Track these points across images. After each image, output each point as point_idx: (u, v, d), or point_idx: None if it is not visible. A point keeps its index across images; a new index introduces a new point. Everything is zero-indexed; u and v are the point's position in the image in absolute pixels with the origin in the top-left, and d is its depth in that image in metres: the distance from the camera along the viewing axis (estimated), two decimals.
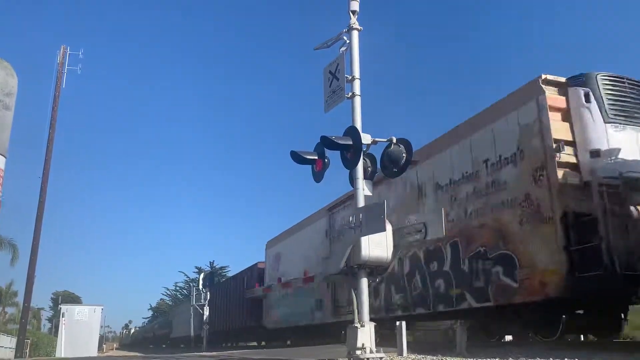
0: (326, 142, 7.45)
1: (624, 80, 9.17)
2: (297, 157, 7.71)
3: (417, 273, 11.60)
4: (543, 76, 9.01)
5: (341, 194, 15.69)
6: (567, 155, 8.56)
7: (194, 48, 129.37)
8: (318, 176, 8.05)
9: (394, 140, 7.65)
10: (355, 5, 8.09)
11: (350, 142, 7.31)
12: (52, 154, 21.32)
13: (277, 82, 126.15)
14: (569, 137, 8.75)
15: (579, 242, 7.96)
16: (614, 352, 6.81)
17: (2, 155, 5.35)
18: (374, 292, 11.99)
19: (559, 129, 8.71)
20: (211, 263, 61.53)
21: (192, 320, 29.47)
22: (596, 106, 8.78)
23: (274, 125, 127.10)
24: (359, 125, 7.52)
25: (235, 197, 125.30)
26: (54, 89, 21.98)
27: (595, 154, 8.52)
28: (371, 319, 6.66)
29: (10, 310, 45.51)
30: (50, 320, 65.67)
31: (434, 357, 6.92)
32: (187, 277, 65.30)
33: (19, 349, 20.74)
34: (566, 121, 8.87)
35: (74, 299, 61.70)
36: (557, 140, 8.55)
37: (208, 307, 25.55)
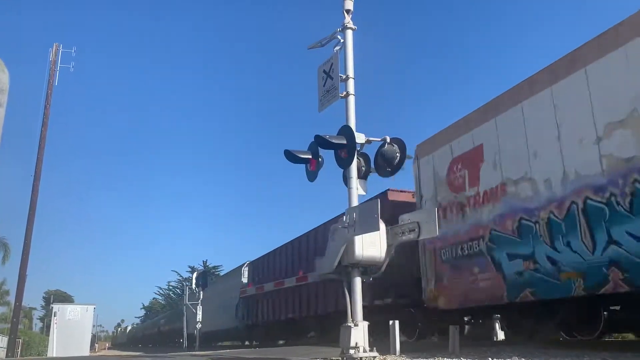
0: (320, 141, 7.46)
1: None
2: (291, 156, 7.70)
3: None
4: None
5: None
6: None
7: (188, 47, 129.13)
8: (312, 175, 8.04)
9: (388, 140, 7.66)
10: (349, 5, 8.09)
11: (344, 141, 7.32)
12: (44, 152, 21.22)
13: (270, 81, 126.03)
14: None
15: None
16: (604, 351, 6.84)
17: None
18: None
19: None
20: (204, 262, 61.40)
21: (185, 319, 29.42)
22: None
23: (268, 123, 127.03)
24: (352, 124, 7.53)
25: (228, 196, 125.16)
26: (46, 87, 21.89)
27: None
28: None
29: (1, 309, 45.27)
30: (42, 319, 65.38)
31: (427, 357, 6.93)
32: (180, 276, 65.16)
33: (11, 349, 20.61)
34: None
35: (66, 298, 61.41)
36: None
37: (201, 307, 25.49)
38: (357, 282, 6.99)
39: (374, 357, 6.66)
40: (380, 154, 7.70)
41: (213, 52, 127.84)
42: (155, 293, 75.43)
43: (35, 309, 64.46)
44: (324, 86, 8.04)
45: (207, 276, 30.38)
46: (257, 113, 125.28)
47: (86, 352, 23.69)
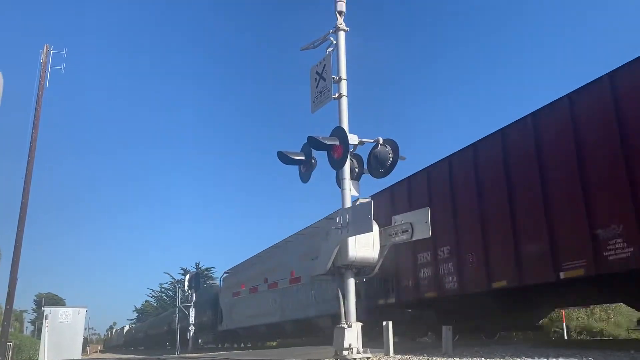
0: (313, 143, 7.47)
1: None
2: (284, 158, 7.71)
3: None
4: None
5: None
6: None
7: (181, 49, 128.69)
8: (305, 177, 8.06)
9: (381, 141, 7.69)
10: (341, 6, 8.12)
11: (337, 143, 7.33)
12: (35, 154, 21.07)
13: (263, 82, 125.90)
14: None
15: None
16: (596, 349, 6.89)
17: None
18: None
19: None
20: (197, 264, 61.12)
21: (178, 320, 29.25)
22: None
23: (261, 125, 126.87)
24: (345, 125, 7.55)
25: (220, 199, 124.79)
26: (37, 89, 21.73)
27: None
28: None
29: None
30: (33, 322, 64.79)
31: (420, 357, 6.95)
32: (173, 278, 64.75)
33: (1, 352, 20.42)
34: None
35: (58, 301, 60.88)
36: None
37: (194, 309, 25.37)
38: (351, 283, 7.01)
39: (367, 357, 6.67)
40: (373, 155, 7.73)
41: (205, 53, 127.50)
42: (148, 295, 74.98)
43: (26, 311, 63.92)
44: (316, 87, 8.05)
45: (199, 278, 30.20)
46: (250, 114, 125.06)
47: (78, 355, 23.53)
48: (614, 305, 16.52)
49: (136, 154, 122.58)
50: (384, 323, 7.64)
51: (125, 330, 62.88)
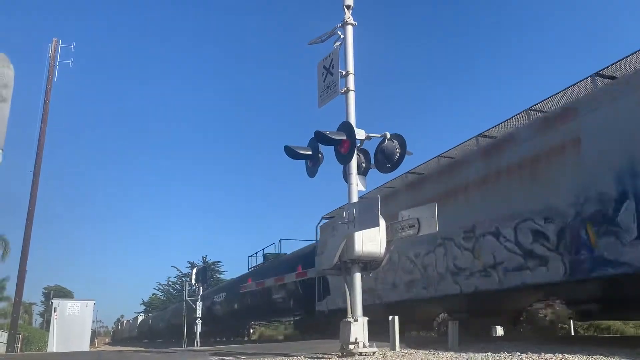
0: (320, 137, 7.46)
1: None
2: (291, 152, 7.71)
3: None
4: None
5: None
6: None
7: (186, 45, 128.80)
8: (312, 171, 8.05)
9: (388, 136, 7.67)
10: (349, 0, 8.08)
11: (344, 137, 7.32)
12: (43, 148, 21.21)
13: (270, 77, 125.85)
14: None
15: None
16: (603, 346, 6.87)
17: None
18: None
19: None
20: (204, 258, 61.43)
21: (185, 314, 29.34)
22: None
23: (269, 120, 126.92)
24: (352, 120, 7.53)
25: (228, 193, 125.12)
26: (46, 82, 21.85)
27: None
28: None
29: (1, 304, 45.26)
30: (41, 315, 65.39)
31: (426, 352, 6.95)
32: (180, 272, 65.17)
33: (11, 344, 20.67)
34: None
35: (66, 294, 61.35)
36: None
37: (201, 302, 25.48)
38: (357, 277, 7.01)
39: (374, 352, 6.68)
40: (380, 150, 7.71)
41: (212, 49, 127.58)
42: (155, 289, 75.41)
43: (35, 304, 64.49)
44: (324, 82, 8.03)
45: (206, 272, 30.33)
46: (257, 109, 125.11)
47: (86, 347, 23.76)
48: None
49: (144, 149, 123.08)
50: (390, 317, 7.64)
51: (139, 321, 55.80)
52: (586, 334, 15.89)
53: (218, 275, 59.63)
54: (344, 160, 7.43)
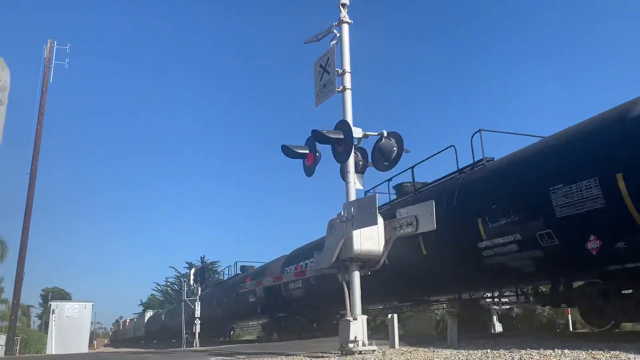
0: (317, 136, 7.46)
1: None
2: (288, 151, 7.70)
3: None
4: None
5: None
6: None
7: (184, 45, 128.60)
8: (309, 170, 8.05)
9: (385, 134, 7.66)
10: None
11: (342, 136, 7.32)
12: (40, 150, 21.15)
13: (266, 76, 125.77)
14: None
15: None
16: (601, 342, 6.88)
17: None
18: None
19: None
20: (202, 258, 61.28)
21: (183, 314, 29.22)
22: None
23: (265, 119, 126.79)
24: (349, 118, 7.53)
25: (225, 193, 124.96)
26: (41, 84, 21.78)
27: None
28: None
29: None
30: (40, 317, 65.16)
31: (426, 349, 6.95)
32: (178, 272, 64.99)
33: (9, 346, 20.61)
34: None
35: (64, 296, 61.12)
36: None
37: (199, 302, 25.45)
38: (356, 276, 7.01)
39: (373, 350, 6.68)
40: (377, 148, 7.71)
41: (208, 49, 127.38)
42: (153, 289, 75.21)
43: (33, 306, 64.27)
44: (320, 81, 8.02)
45: (205, 272, 30.30)
46: (254, 109, 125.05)
47: (85, 349, 23.68)
48: None
49: (141, 149, 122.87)
50: (389, 315, 7.64)
51: (146, 318, 48.42)
52: (584, 331, 15.92)
53: (217, 276, 59.47)
54: (342, 158, 7.43)
